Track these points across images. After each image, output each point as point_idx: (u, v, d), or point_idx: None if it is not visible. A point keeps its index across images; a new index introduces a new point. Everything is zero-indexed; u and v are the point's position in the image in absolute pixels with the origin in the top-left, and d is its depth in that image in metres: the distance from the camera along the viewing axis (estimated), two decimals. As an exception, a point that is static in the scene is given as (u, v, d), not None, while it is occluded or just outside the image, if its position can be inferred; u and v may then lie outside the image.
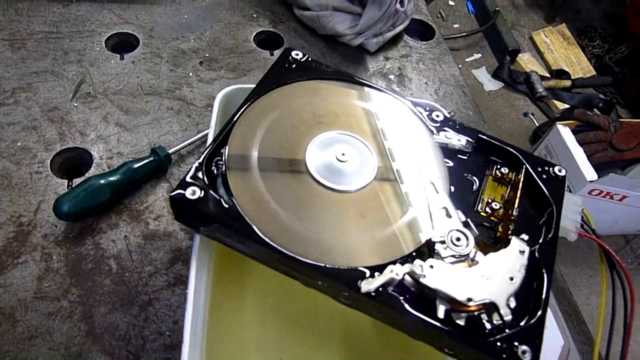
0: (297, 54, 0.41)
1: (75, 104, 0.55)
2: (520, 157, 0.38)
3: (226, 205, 0.32)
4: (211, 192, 0.32)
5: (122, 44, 0.62)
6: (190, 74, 0.60)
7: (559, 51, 1.94)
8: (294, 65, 0.40)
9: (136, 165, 0.49)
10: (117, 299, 0.44)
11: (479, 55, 1.93)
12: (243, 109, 0.36)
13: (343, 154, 0.35)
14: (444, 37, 0.71)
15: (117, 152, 0.52)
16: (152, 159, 0.50)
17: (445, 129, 0.39)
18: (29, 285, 0.43)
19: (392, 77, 0.66)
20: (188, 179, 0.32)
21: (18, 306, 0.42)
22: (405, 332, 0.32)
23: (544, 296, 0.31)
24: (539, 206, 0.37)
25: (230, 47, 0.64)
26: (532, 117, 1.71)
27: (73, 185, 0.49)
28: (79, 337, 0.42)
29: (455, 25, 2.00)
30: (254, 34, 0.66)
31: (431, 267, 0.31)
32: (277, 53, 0.65)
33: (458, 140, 0.38)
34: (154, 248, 0.47)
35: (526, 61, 1.89)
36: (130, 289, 0.45)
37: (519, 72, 1.81)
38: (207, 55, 0.62)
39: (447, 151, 0.38)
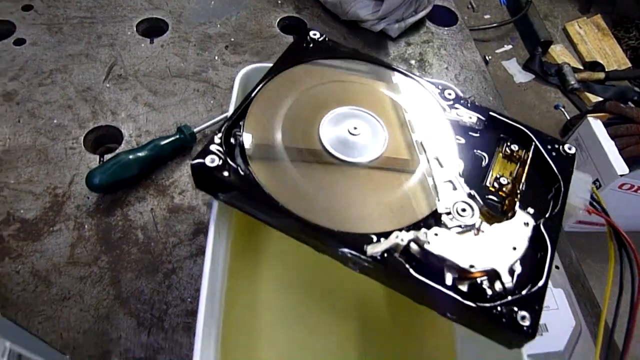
0: (315, 34, 0.42)
1: (108, 85, 0.58)
2: (530, 134, 0.39)
3: (242, 173, 0.34)
4: (229, 160, 0.34)
5: (152, 29, 0.65)
6: (216, 57, 0.63)
7: (593, 43, 1.89)
8: (311, 45, 0.42)
9: (163, 143, 0.52)
10: (143, 266, 0.47)
11: (510, 46, 1.90)
12: (262, 84, 0.38)
13: (355, 128, 0.37)
14: (472, 28, 0.72)
15: (145, 131, 0.55)
16: (177, 136, 0.53)
17: (457, 106, 0.40)
18: (62, 251, 0.47)
19: (413, 62, 0.67)
20: (209, 148, 0.34)
21: (53, 270, 0.45)
22: (409, 296, 0.33)
23: (547, 266, 0.32)
24: (548, 182, 0.37)
25: (254, 32, 0.66)
26: (563, 109, 1.67)
27: (104, 161, 0.52)
28: (107, 300, 0.44)
29: (486, 16, 1.97)
30: (278, 20, 0.68)
31: (436, 234, 0.32)
32: (300, 38, 0.67)
33: (469, 118, 0.39)
34: (178, 220, 0.50)
35: (558, 53, 1.85)
36: (155, 258, 0.47)
37: (550, 64, 1.77)
38: (232, 39, 0.65)
39: (459, 128, 0.39)
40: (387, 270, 0.31)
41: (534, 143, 0.38)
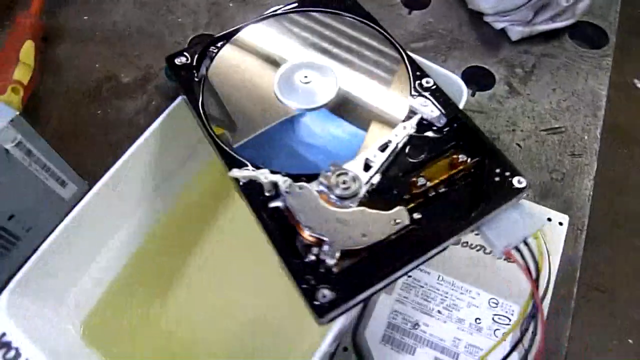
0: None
1: (231, 5, 0.68)
2: (487, 149, 0.34)
3: (196, 80, 0.39)
4: (194, 66, 0.40)
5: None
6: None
7: None
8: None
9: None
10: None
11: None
12: (257, 20, 0.43)
13: (306, 77, 0.38)
14: None
15: (235, 49, 0.64)
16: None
17: (427, 95, 0.37)
18: (129, 114, 0.59)
19: (519, 70, 0.60)
20: (182, 50, 0.40)
21: (115, 124, 0.58)
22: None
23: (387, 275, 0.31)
24: (473, 205, 0.33)
25: (375, -3, 0.68)
26: None
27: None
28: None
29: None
30: (405, -9, 0.68)
31: (300, 189, 0.33)
32: (416, 13, 0.66)
33: (431, 111, 0.37)
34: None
35: None
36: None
37: None
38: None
39: (418, 118, 0.37)
40: (245, 196, 0.34)
41: (478, 158, 0.34)
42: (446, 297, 0.46)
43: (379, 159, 0.34)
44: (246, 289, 0.44)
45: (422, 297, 0.46)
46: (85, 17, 0.67)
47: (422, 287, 0.47)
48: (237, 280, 0.45)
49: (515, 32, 0.61)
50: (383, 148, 0.35)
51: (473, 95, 0.58)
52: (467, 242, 0.48)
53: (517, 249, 0.34)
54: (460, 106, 0.41)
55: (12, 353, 0.32)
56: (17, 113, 0.43)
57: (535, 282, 0.33)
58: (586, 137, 0.55)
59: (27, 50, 0.60)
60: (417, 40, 0.63)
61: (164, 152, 0.43)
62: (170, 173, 0.45)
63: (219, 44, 0.41)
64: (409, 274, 0.47)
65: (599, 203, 0.53)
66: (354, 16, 0.43)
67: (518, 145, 0.55)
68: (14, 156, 0.44)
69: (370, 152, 0.35)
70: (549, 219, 0.50)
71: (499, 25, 0.62)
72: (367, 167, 0.34)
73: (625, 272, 1.13)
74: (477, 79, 0.61)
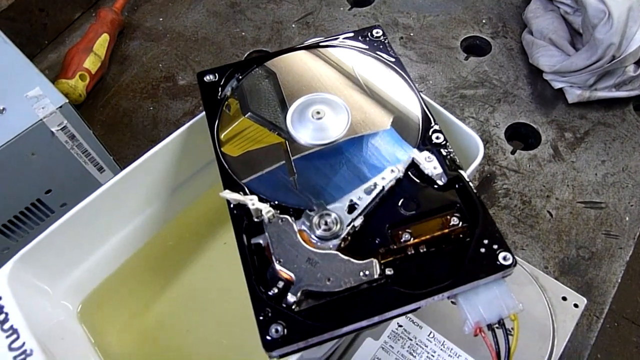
0: (377, 32, 0.44)
1: (293, 26, 0.70)
2: (480, 217, 0.33)
3: (219, 98, 0.41)
4: (220, 84, 0.42)
5: (360, 1, 0.73)
6: (386, 42, 0.67)
7: None
8: (367, 39, 0.44)
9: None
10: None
11: None
12: (288, 51, 0.44)
13: (318, 112, 0.39)
14: None
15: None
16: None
17: (433, 151, 0.36)
18: (179, 114, 0.63)
19: (568, 135, 0.57)
20: (212, 69, 0.43)
21: (163, 121, 0.62)
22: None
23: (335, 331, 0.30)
24: (449, 273, 0.32)
25: (435, 38, 0.67)
26: None
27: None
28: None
29: None
30: (466, 36, 0.67)
31: (282, 221, 0.34)
32: (473, 60, 0.65)
33: (434, 168, 0.36)
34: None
35: None
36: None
37: None
38: (411, 34, 0.68)
39: (418, 171, 0.36)
40: (232, 220, 0.35)
41: (468, 224, 0.33)
42: (433, 356, 0.45)
43: (363, 202, 0.34)
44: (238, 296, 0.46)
45: (408, 350, 0.45)
46: (161, 19, 0.72)
47: (411, 339, 0.46)
48: (230, 289, 0.46)
49: (573, 95, 0.58)
50: (369, 191, 0.35)
51: (513, 153, 0.56)
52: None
53: (492, 330, 0.32)
54: (473, 165, 0.40)
55: (1, 317, 0.36)
56: (67, 101, 0.48)
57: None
58: (627, 219, 0.51)
59: (102, 42, 0.66)
60: (467, 87, 0.62)
61: (183, 159, 0.46)
62: (187, 180, 0.47)
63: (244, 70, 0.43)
64: (399, 322, 0.46)
65: (625, 293, 0.49)
66: (383, 57, 0.44)
67: (549, 213, 0.52)
68: (58, 139, 0.49)
69: (355, 194, 0.35)
70: (564, 298, 0.47)
71: (556, 85, 0.59)
72: (351, 209, 0.34)
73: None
74: (522, 136, 0.59)
